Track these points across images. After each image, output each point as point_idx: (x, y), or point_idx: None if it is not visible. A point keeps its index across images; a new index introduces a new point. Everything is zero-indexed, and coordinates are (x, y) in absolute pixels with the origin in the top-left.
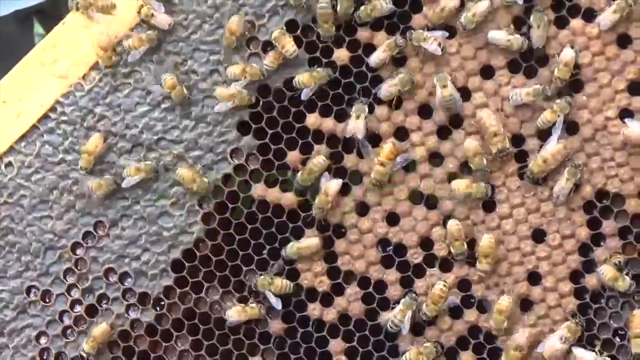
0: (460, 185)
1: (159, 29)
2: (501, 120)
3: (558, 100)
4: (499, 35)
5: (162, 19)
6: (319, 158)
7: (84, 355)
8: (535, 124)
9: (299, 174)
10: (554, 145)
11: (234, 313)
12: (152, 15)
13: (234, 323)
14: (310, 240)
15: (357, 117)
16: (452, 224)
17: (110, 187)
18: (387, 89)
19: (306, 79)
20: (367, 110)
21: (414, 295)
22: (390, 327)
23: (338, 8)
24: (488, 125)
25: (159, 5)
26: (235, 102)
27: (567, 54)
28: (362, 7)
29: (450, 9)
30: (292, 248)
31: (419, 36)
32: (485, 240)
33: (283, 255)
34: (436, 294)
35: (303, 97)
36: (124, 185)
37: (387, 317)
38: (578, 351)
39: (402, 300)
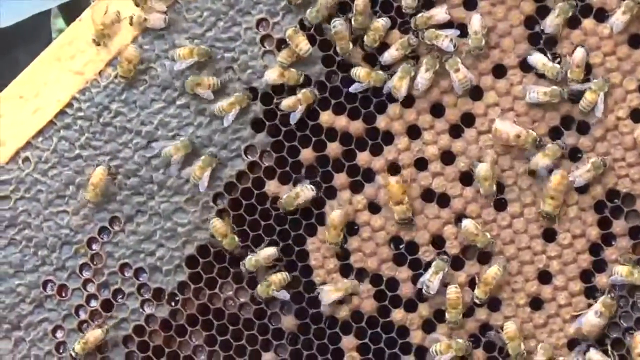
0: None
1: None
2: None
3: (595, 80)
4: (538, 59)
5: (156, 18)
6: (307, 190)
7: (73, 354)
8: (547, 124)
9: (285, 196)
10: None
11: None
12: (145, 19)
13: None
14: (268, 251)
15: (402, 78)
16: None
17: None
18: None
19: (363, 75)
20: (412, 73)
21: (444, 257)
22: (425, 290)
23: (353, 23)
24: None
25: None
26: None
27: (578, 55)
28: (366, 37)
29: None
30: (251, 261)
31: (431, 34)
32: (492, 271)
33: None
34: (452, 298)
35: (352, 90)
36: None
37: (421, 280)
38: (591, 353)
39: (434, 263)
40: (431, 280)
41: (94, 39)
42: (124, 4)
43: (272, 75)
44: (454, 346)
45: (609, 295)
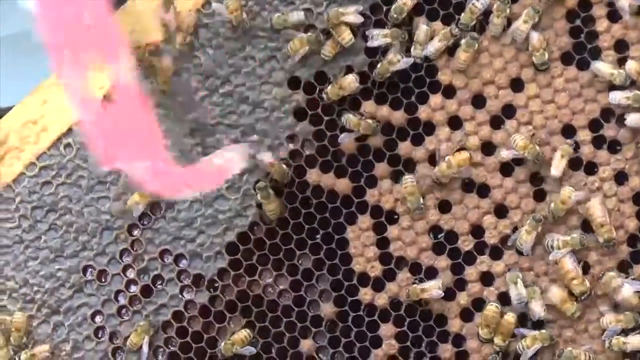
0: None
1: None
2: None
3: None
4: (604, 67)
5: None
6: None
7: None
8: (586, 116)
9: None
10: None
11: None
12: None
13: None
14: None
15: (497, 17)
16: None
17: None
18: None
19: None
20: (508, 11)
21: (538, 216)
22: (518, 246)
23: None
24: (595, 217)
25: None
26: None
27: None
28: (379, 64)
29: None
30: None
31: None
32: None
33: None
34: (489, 315)
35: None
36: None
37: (513, 238)
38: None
39: (528, 222)
40: (525, 239)
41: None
42: None
43: (352, 120)
44: (539, 337)
45: None
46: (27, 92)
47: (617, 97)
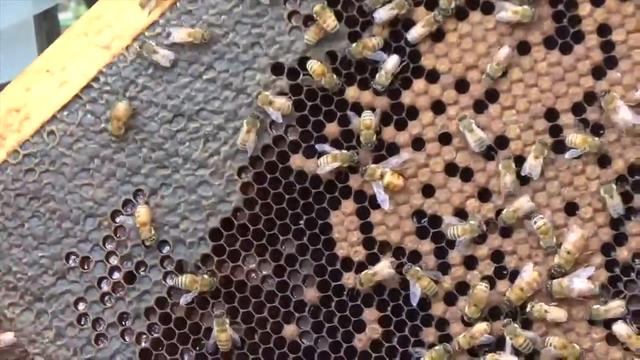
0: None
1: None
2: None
3: None
4: (504, 14)
5: (165, 55)
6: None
7: None
8: (569, 100)
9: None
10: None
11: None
12: (154, 51)
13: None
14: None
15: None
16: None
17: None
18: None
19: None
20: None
21: (544, 140)
22: (528, 175)
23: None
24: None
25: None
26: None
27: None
28: (355, 44)
29: None
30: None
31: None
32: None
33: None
34: (479, 294)
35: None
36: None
37: (525, 166)
38: (616, 326)
39: (534, 147)
40: (534, 164)
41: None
42: None
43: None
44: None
45: None
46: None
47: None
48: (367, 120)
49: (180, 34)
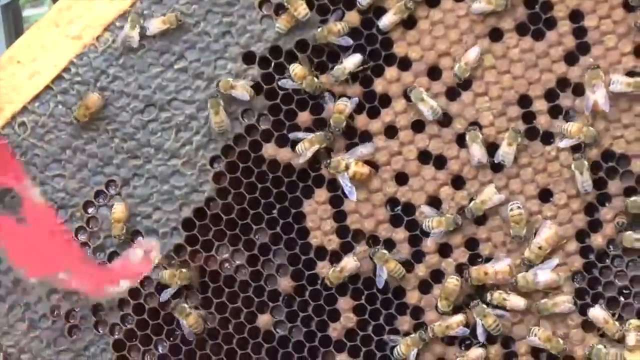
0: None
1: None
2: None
3: None
4: (478, 5)
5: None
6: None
7: None
8: (542, 86)
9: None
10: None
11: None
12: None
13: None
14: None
15: None
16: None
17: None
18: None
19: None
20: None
21: (517, 128)
22: (502, 162)
23: None
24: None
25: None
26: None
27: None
28: (320, 29)
29: None
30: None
31: None
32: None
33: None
34: (450, 288)
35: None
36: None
37: (497, 153)
38: (592, 310)
39: (507, 134)
40: (507, 151)
41: None
42: None
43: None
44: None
45: None
46: None
47: (619, 81)
48: (340, 105)
49: (155, 25)
